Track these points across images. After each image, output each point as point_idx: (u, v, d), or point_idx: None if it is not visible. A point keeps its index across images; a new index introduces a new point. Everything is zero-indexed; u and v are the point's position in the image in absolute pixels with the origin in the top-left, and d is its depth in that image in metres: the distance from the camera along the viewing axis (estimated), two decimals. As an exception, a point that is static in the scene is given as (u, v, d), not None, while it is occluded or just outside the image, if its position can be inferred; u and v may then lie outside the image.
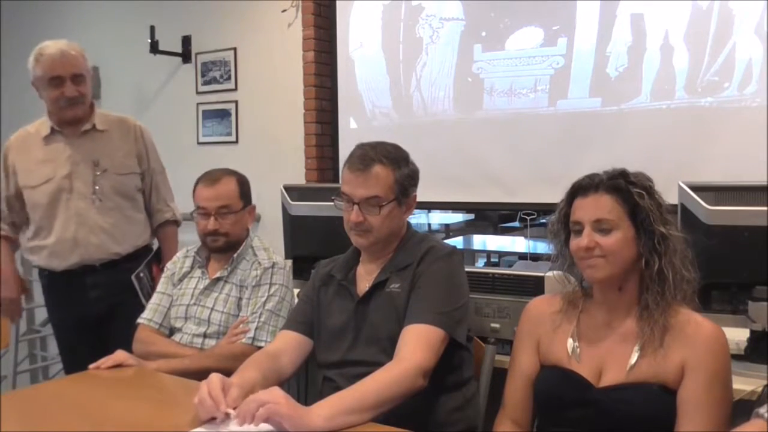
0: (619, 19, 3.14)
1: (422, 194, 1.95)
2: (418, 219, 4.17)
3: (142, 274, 2.75)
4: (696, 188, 1.93)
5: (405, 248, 1.86)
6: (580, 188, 1.59)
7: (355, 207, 1.79)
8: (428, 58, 3.65)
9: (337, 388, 1.62)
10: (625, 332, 1.56)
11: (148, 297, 2.72)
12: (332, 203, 1.88)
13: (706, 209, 1.88)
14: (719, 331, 1.50)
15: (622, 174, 1.57)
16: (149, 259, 2.82)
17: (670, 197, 1.70)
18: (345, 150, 1.93)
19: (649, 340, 1.51)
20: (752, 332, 1.90)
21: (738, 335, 1.92)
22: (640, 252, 1.53)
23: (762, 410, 1.27)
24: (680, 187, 1.93)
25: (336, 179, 3.77)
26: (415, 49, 3.68)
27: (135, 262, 2.78)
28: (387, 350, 1.71)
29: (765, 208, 1.83)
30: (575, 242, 1.56)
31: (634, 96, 3.12)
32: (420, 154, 1.98)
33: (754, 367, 1.85)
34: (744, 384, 1.76)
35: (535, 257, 3.40)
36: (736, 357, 1.86)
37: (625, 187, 1.54)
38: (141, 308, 2.58)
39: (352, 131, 3.89)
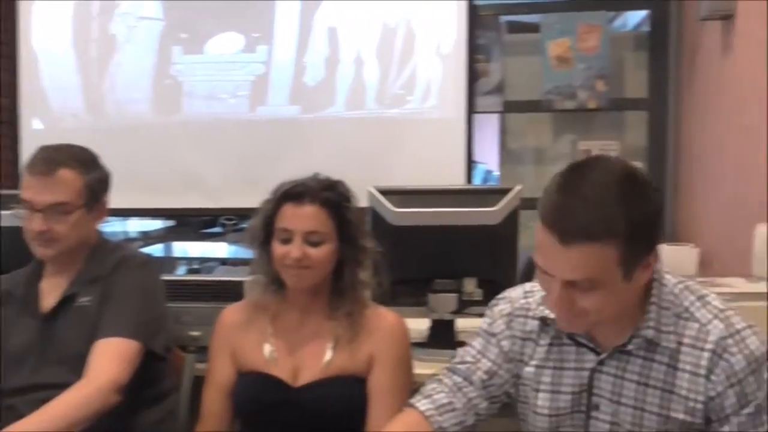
0: (316, 30, 3.29)
1: (118, 200, 1.86)
2: (113, 227, 3.94)
3: None
4: (384, 192, 2.07)
5: (95, 259, 1.75)
6: (292, 195, 1.56)
7: (38, 215, 1.65)
8: (124, 57, 3.48)
9: (21, 417, 1.47)
10: (318, 331, 1.62)
11: None
12: (11, 212, 1.73)
13: (392, 211, 2.03)
14: (400, 321, 1.64)
15: (332, 186, 1.59)
16: None
17: (361, 201, 1.81)
18: (28, 153, 1.78)
19: (341, 336, 1.59)
20: (433, 321, 2.11)
21: (421, 325, 2.10)
22: (340, 261, 1.60)
23: (413, 400, 1.39)
24: (369, 192, 2.06)
25: (16, 185, 3.40)
26: (109, 48, 3.49)
27: None
28: (78, 370, 1.59)
29: (443, 210, 2.03)
30: (282, 249, 1.55)
31: (330, 105, 3.29)
32: (115, 158, 1.88)
33: (434, 352, 2.03)
34: (427, 369, 1.92)
35: (236, 262, 3.41)
36: (419, 345, 2.04)
37: (337, 202, 1.58)
38: None
39: (37, 133, 3.57)
